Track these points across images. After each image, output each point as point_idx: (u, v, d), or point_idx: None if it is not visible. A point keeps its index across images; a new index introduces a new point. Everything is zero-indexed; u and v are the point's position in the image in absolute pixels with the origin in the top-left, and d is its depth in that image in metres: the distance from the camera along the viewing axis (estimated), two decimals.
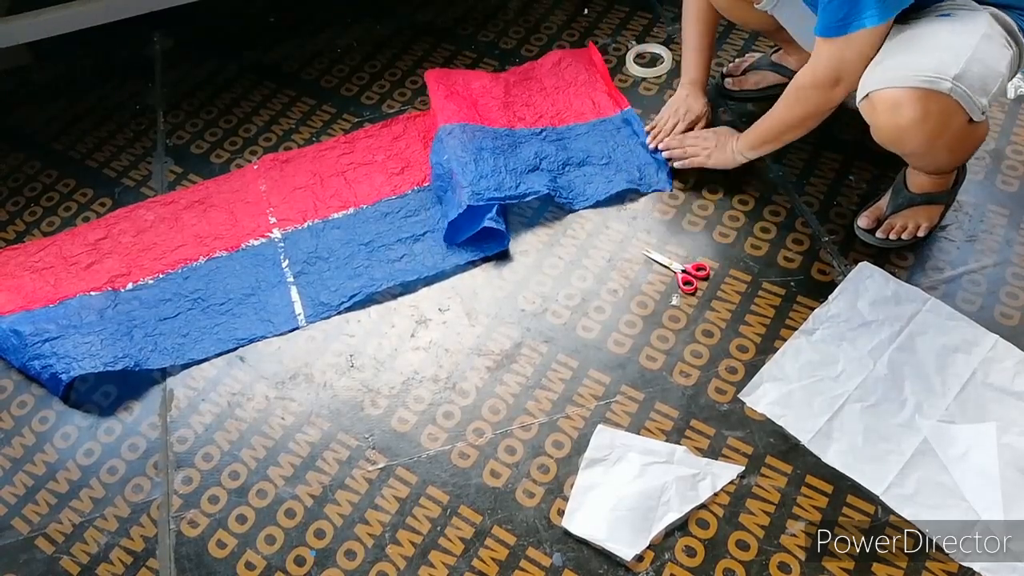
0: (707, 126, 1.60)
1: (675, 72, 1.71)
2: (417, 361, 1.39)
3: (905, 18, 1.19)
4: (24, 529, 1.27)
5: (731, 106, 1.70)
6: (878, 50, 1.18)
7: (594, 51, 1.83)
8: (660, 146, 1.58)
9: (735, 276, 1.43)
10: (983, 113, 1.14)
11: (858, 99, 1.19)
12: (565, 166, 1.61)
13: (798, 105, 1.31)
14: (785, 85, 1.65)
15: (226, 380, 1.40)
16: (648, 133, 1.62)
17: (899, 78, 1.11)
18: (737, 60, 1.74)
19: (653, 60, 1.81)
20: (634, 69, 1.79)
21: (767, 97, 1.68)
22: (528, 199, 1.52)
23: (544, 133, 1.66)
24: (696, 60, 1.59)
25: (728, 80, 1.72)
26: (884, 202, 1.44)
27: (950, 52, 1.11)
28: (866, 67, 1.18)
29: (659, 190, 1.56)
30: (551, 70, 1.80)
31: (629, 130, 1.65)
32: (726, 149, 1.50)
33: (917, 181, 1.40)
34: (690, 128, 1.59)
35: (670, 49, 1.81)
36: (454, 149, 1.54)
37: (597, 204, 1.56)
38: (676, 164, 1.56)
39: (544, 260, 1.50)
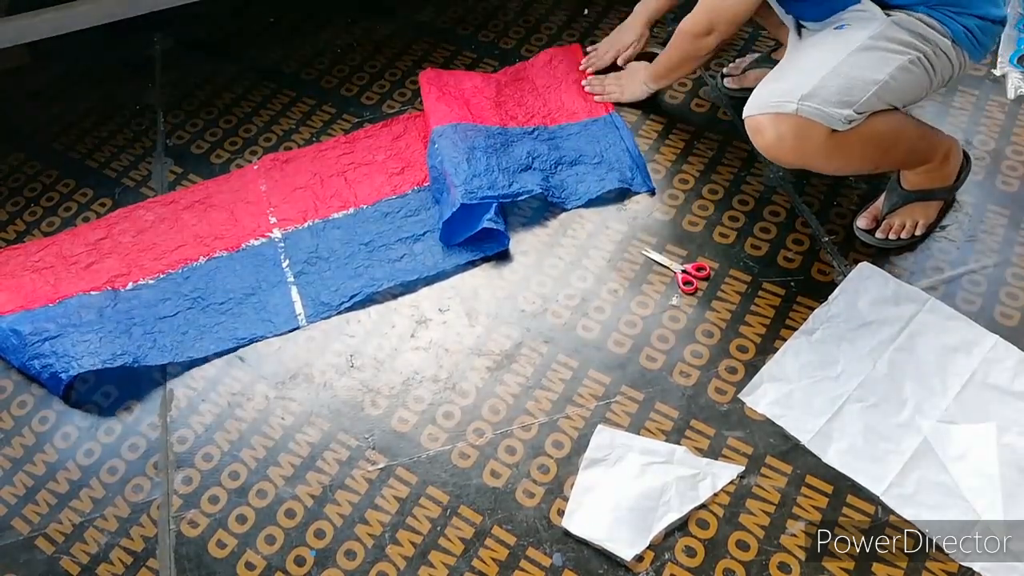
0: (642, 51, 1.76)
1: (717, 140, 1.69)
2: (417, 361, 1.39)
3: (802, 31, 1.36)
4: (24, 529, 1.27)
5: (730, 103, 1.70)
6: (749, 13, 1.34)
7: (579, 52, 1.83)
8: (584, 83, 1.75)
9: (735, 276, 1.43)
10: (849, 121, 1.19)
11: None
12: (557, 165, 1.61)
13: (679, 47, 1.49)
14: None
15: (226, 380, 1.40)
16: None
17: (758, 105, 1.24)
18: (737, 60, 1.75)
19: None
20: None
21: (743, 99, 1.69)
22: (522, 198, 1.52)
23: (536, 132, 1.66)
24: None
25: (728, 79, 1.72)
26: (881, 202, 1.44)
27: (806, 73, 1.21)
28: (735, 25, 1.37)
29: (649, 189, 1.57)
30: (542, 69, 1.80)
31: (619, 128, 1.66)
32: (636, 82, 1.69)
33: (910, 178, 1.40)
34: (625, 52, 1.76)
35: None
36: (446, 150, 1.55)
37: (596, 204, 1.56)
38: (596, 98, 1.72)
39: (544, 260, 1.50)
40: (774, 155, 1.27)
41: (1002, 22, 1.28)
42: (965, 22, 1.23)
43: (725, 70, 1.74)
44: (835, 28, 1.27)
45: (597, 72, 1.77)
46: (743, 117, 1.27)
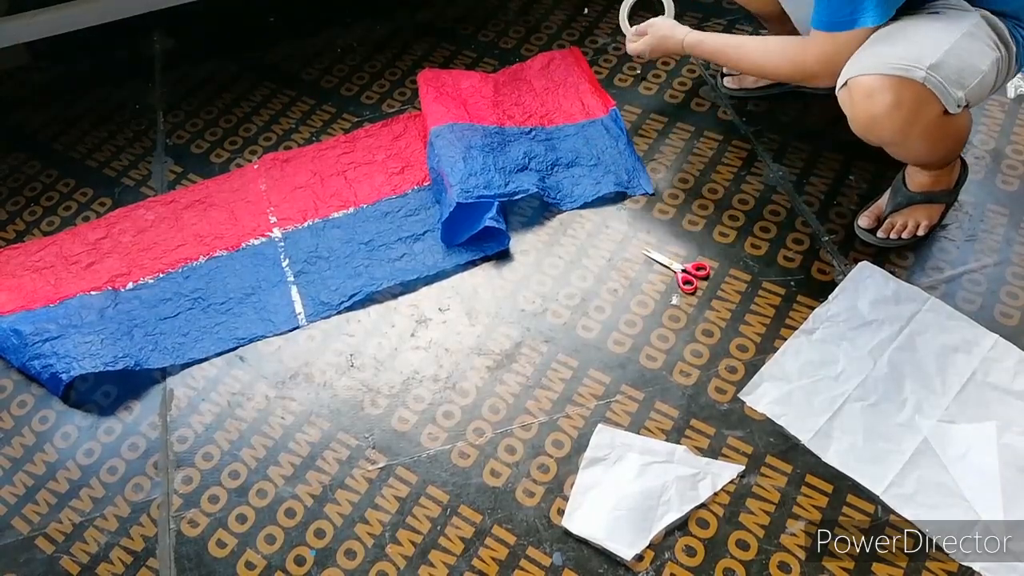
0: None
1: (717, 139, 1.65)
2: (417, 361, 1.39)
3: (896, 15, 1.20)
4: (24, 529, 1.27)
5: (730, 103, 1.70)
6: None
7: (578, 54, 1.83)
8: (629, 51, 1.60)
9: (735, 276, 1.43)
10: (959, 106, 1.16)
11: (838, 88, 1.21)
12: (554, 166, 1.61)
13: (775, 59, 1.32)
14: (783, 83, 1.66)
15: (226, 380, 1.40)
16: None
17: (875, 65, 1.14)
18: None
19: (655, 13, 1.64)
20: (626, 28, 1.64)
21: (767, 96, 1.69)
22: (518, 198, 1.52)
23: (533, 133, 1.66)
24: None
25: (727, 79, 1.72)
26: (884, 201, 1.44)
27: (929, 43, 1.13)
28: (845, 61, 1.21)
29: (644, 193, 1.56)
30: (540, 71, 1.80)
31: (617, 131, 1.65)
32: (674, 37, 1.49)
33: (916, 180, 1.40)
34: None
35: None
36: (443, 150, 1.55)
37: (596, 204, 1.56)
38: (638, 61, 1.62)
39: (544, 260, 1.50)
40: (879, 124, 1.17)
41: None
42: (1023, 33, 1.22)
43: (724, 70, 1.74)
44: (930, 13, 1.20)
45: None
46: (844, 80, 1.18)
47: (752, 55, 1.36)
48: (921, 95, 1.13)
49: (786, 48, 1.30)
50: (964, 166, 1.44)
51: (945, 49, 1.13)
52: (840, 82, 1.20)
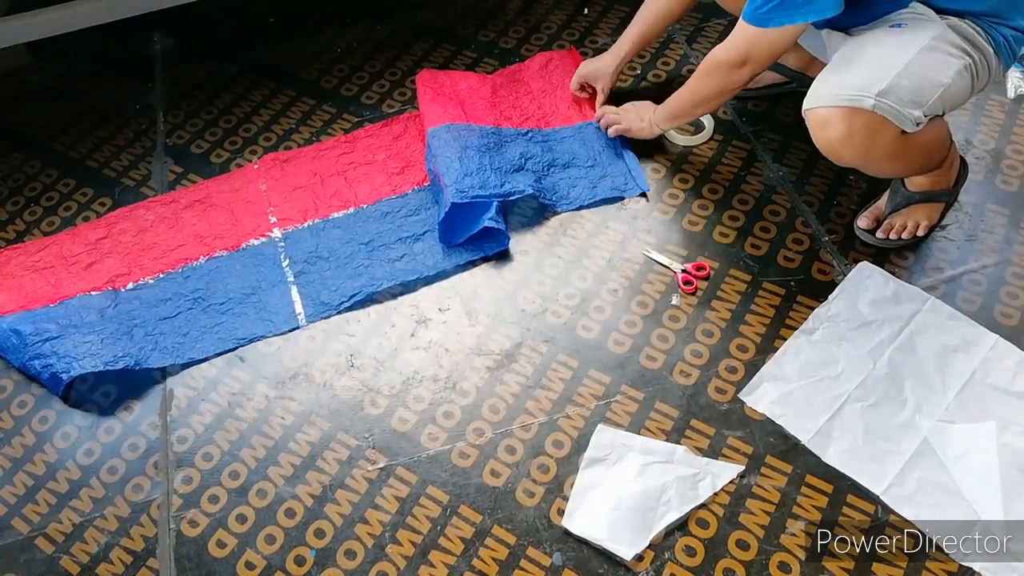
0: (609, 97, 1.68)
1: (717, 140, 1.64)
2: (417, 361, 1.39)
3: (857, 26, 1.26)
4: (24, 529, 1.27)
5: (730, 103, 1.70)
6: (790, 45, 1.26)
7: (576, 56, 1.83)
8: (596, 115, 1.67)
9: (735, 276, 1.43)
10: (917, 124, 1.17)
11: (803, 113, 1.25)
12: (550, 167, 1.61)
13: (708, 78, 1.38)
14: (783, 83, 1.66)
15: (226, 380, 1.40)
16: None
17: (827, 96, 1.18)
18: None
19: (696, 128, 1.67)
20: (675, 137, 1.64)
21: (765, 96, 1.69)
22: (513, 198, 1.52)
23: (530, 134, 1.66)
24: (630, 38, 1.62)
25: None
26: (883, 202, 1.44)
27: (880, 68, 1.16)
28: (773, 57, 1.29)
29: (642, 193, 1.56)
30: (538, 72, 1.80)
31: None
32: (643, 120, 1.57)
33: (915, 180, 1.40)
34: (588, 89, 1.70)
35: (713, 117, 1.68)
36: (439, 150, 1.55)
37: (595, 204, 1.56)
38: (610, 132, 1.62)
39: (544, 260, 1.50)
40: (837, 152, 1.21)
41: None
42: (1003, 32, 1.21)
43: None
44: (891, 26, 1.22)
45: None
46: (804, 110, 1.22)
47: (693, 88, 1.42)
48: (872, 122, 1.15)
49: (710, 56, 1.36)
50: (964, 165, 1.45)
51: (897, 71, 1.15)
52: (804, 109, 1.23)
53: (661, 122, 1.54)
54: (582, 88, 1.71)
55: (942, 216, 1.45)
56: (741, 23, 1.26)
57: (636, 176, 1.58)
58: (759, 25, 1.22)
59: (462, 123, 1.61)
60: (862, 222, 1.45)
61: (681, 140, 1.64)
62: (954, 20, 1.21)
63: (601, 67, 1.65)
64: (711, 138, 1.64)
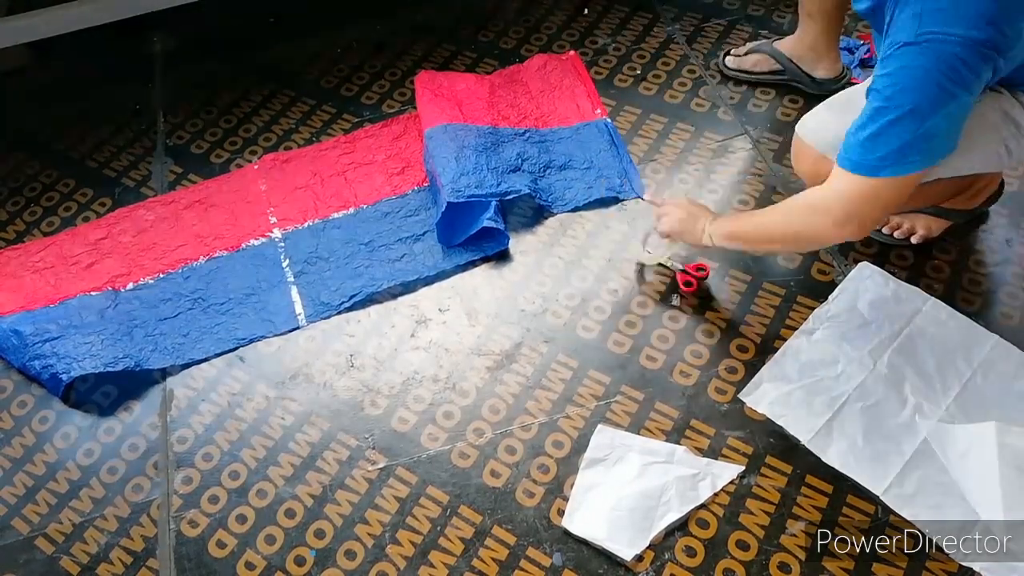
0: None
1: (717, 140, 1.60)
2: (417, 361, 1.39)
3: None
4: (24, 529, 1.27)
5: (730, 104, 1.70)
6: (903, 201, 1.09)
7: (576, 60, 1.83)
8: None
9: (735, 276, 1.43)
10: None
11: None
12: (547, 168, 1.61)
13: (796, 221, 1.15)
14: (777, 72, 1.66)
15: (226, 380, 1.40)
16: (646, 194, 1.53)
17: (814, 131, 1.20)
18: (746, 45, 1.76)
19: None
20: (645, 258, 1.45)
21: (759, 82, 1.71)
22: (510, 197, 1.52)
23: (527, 134, 1.66)
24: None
25: (729, 59, 1.75)
26: None
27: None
28: (886, 213, 1.16)
29: (637, 197, 1.56)
30: (536, 73, 1.80)
31: (609, 133, 1.65)
32: (696, 229, 1.30)
33: None
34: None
35: None
36: (436, 150, 1.55)
37: (596, 204, 1.56)
38: (658, 230, 1.38)
39: (544, 260, 1.50)
40: (808, 184, 1.22)
41: None
42: None
43: (732, 51, 1.75)
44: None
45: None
46: (797, 128, 1.25)
47: (773, 222, 1.20)
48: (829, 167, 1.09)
49: (808, 198, 1.14)
50: (998, 191, 1.40)
51: None
52: (797, 125, 1.22)
53: (718, 236, 1.27)
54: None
55: (944, 232, 1.42)
56: (845, 173, 1.05)
57: (632, 180, 1.58)
58: (874, 175, 1.03)
59: (459, 123, 1.61)
60: None
61: (648, 260, 1.45)
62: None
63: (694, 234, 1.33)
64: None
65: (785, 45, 1.68)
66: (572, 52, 1.85)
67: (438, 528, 1.20)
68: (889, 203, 1.07)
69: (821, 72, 1.65)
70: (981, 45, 0.94)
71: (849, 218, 1.07)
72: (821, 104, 1.28)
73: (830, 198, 1.09)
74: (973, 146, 1.11)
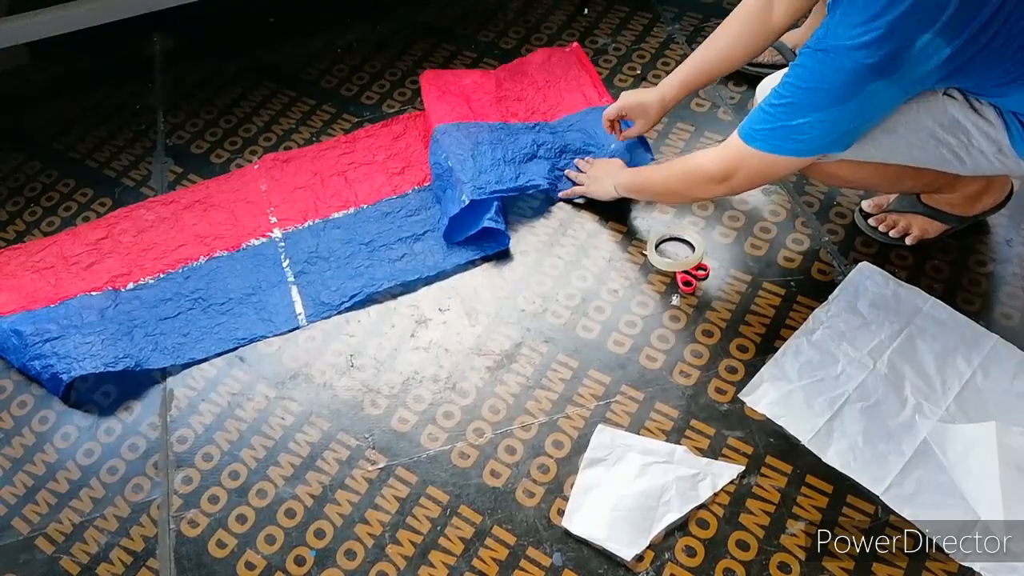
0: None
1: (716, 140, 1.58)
2: (417, 361, 1.39)
3: None
4: (24, 529, 1.27)
5: (731, 104, 1.70)
6: (779, 177, 1.25)
7: (578, 50, 1.83)
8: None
9: (735, 276, 1.43)
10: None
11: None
12: (563, 152, 1.61)
13: (682, 178, 1.29)
14: (780, 66, 1.67)
15: (226, 380, 1.40)
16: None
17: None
18: None
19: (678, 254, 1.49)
20: (657, 260, 1.46)
21: (760, 76, 1.69)
22: (529, 192, 1.52)
23: (538, 127, 1.66)
24: (681, 79, 1.43)
25: None
26: (893, 195, 1.44)
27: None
28: (756, 185, 1.25)
29: (653, 160, 1.56)
30: (541, 66, 1.80)
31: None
32: (606, 181, 1.49)
33: (932, 196, 1.39)
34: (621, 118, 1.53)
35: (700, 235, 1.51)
36: (450, 147, 1.54)
37: (596, 203, 1.56)
38: (564, 193, 1.56)
39: (544, 260, 1.50)
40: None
41: None
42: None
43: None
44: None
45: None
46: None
47: (665, 177, 1.34)
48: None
49: (694, 159, 1.27)
50: (1006, 200, 1.39)
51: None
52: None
53: (621, 188, 1.45)
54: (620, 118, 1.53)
55: (941, 235, 1.41)
56: (734, 136, 1.19)
57: (645, 157, 1.57)
58: (760, 149, 1.15)
59: (470, 121, 1.61)
60: (866, 204, 1.46)
61: (662, 265, 1.45)
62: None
63: (645, 104, 1.46)
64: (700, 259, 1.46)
65: (790, 37, 1.68)
66: (575, 43, 1.85)
67: (438, 528, 1.20)
68: (753, 173, 1.19)
69: None
70: (868, 67, 1.01)
71: (724, 175, 1.21)
72: None
73: (715, 155, 1.22)
74: (898, 141, 1.15)
